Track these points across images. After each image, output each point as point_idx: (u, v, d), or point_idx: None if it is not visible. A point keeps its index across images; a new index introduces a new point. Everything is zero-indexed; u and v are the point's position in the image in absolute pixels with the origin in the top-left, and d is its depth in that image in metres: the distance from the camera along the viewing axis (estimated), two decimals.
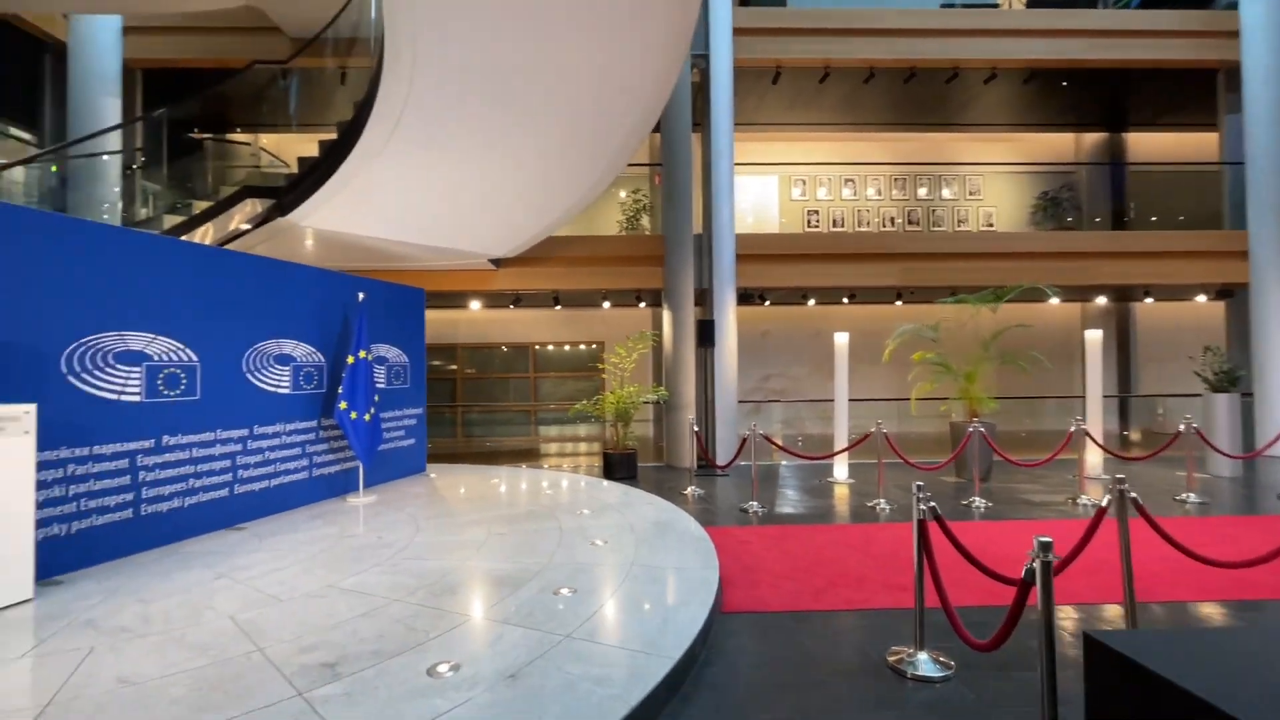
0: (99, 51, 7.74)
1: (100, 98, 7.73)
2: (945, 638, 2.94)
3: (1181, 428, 6.32)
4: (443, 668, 2.46)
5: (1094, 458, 7.26)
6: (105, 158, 6.61)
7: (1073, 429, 6.49)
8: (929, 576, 2.66)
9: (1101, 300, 11.43)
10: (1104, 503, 2.84)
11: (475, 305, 10.71)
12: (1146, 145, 11.62)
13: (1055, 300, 9.49)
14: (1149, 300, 11.06)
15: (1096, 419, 7.32)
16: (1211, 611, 3.44)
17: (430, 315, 8.83)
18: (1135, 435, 11.31)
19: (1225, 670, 1.99)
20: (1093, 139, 11.63)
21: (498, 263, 8.63)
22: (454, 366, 11.50)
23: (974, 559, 2.61)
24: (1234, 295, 9.83)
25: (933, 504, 2.76)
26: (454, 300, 10.33)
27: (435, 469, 7.31)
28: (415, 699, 2.24)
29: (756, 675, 2.75)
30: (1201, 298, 10.50)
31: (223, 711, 2.16)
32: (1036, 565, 1.90)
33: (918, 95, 9.88)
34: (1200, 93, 10.04)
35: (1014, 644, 2.84)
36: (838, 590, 3.77)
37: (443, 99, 4.89)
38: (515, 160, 6.05)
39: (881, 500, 6.01)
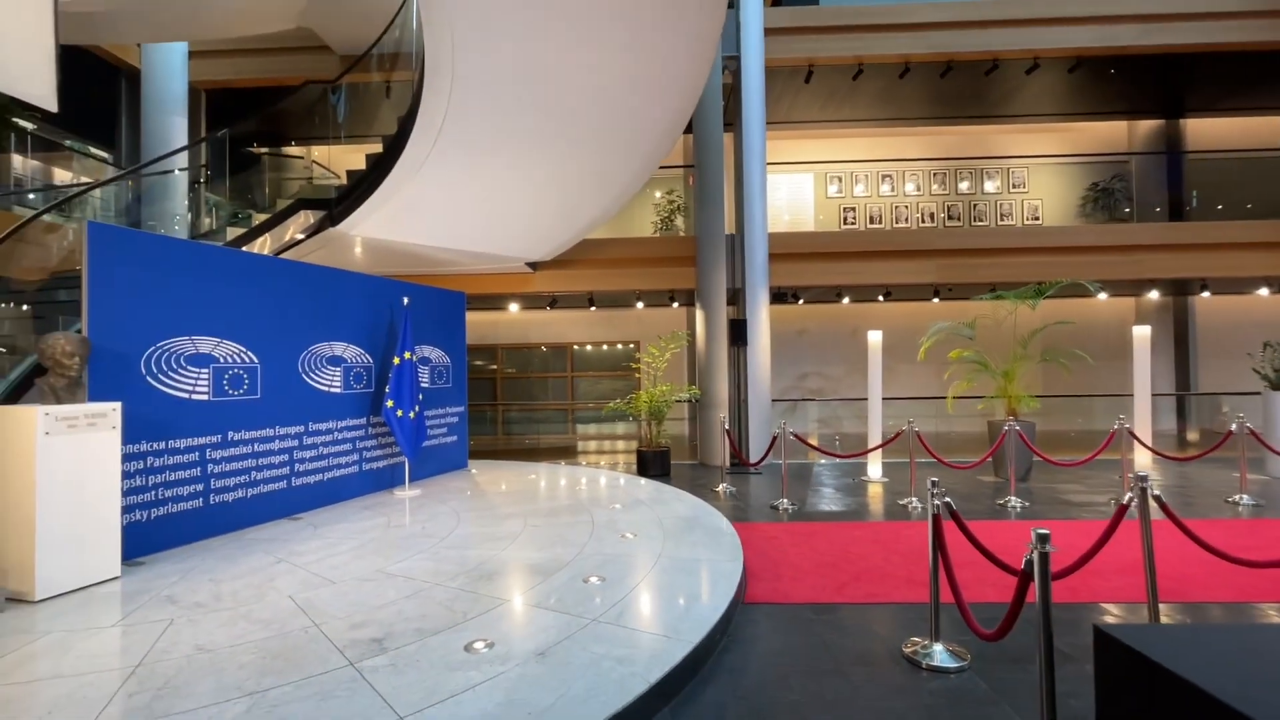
0: (168, 75, 8.35)
1: (169, 117, 8.35)
2: (964, 631, 3.00)
3: (1234, 427, 6.08)
4: (479, 645, 2.67)
5: (1143, 458, 7.05)
6: (175, 173, 7.15)
7: (1115, 428, 6.32)
8: (944, 571, 2.73)
9: (1155, 295, 10.98)
10: (1125, 500, 2.84)
11: (514, 307, 11.05)
12: (1207, 132, 11.08)
13: (1103, 296, 9.19)
14: (1206, 294, 10.56)
15: (1145, 417, 7.09)
16: (1247, 613, 3.37)
17: (471, 317, 9.16)
18: (1194, 435, 10.82)
19: (1231, 664, 2.03)
20: (1147, 127, 11.16)
21: (535, 266, 8.90)
22: (494, 366, 11.87)
23: (987, 552, 2.67)
24: None
25: (948, 500, 2.82)
26: (493, 302, 10.69)
27: (476, 465, 7.62)
28: (453, 671, 2.45)
29: (774, 661, 2.87)
30: (1264, 291, 9.97)
31: (284, 676, 2.42)
32: (1035, 557, 1.98)
33: (956, 88, 9.69)
34: (1266, 75, 9.53)
35: (1030, 638, 2.89)
36: (860, 585, 3.84)
37: (481, 110, 5.14)
38: (551, 167, 6.27)
39: (914, 499, 5.99)
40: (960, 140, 11.39)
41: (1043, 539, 1.96)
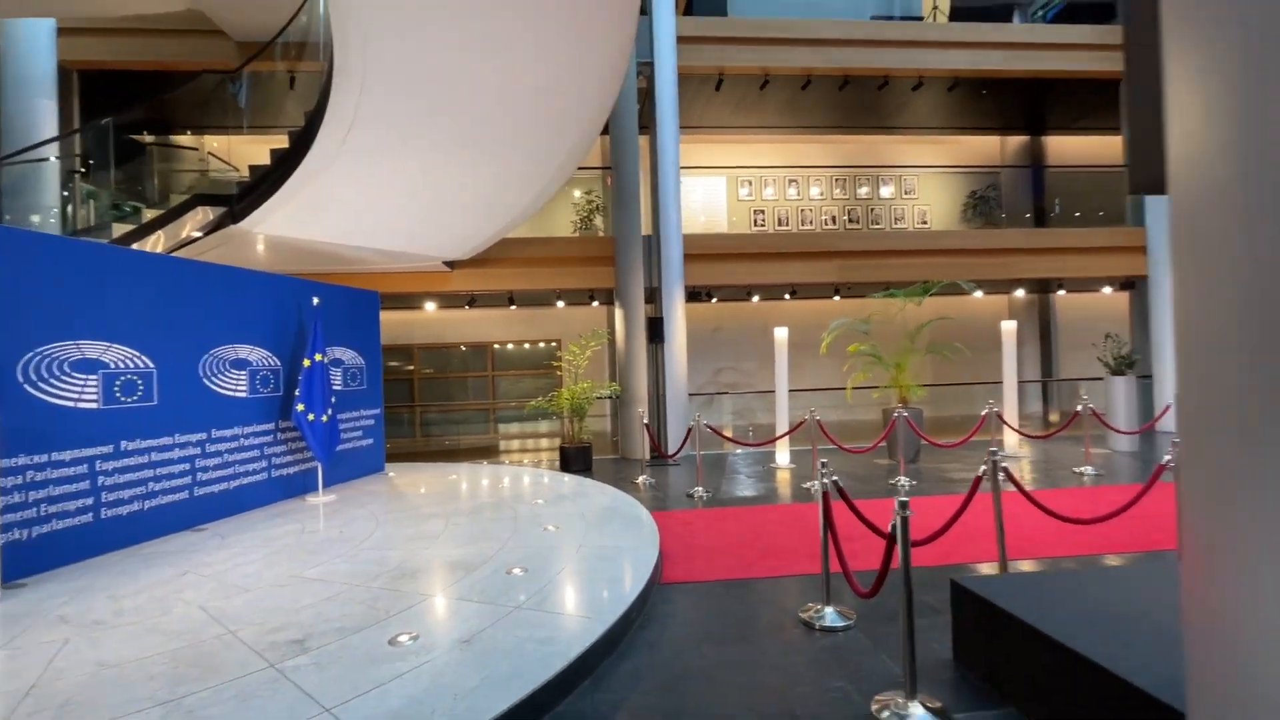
0: (32, 53, 7.58)
1: (34, 100, 7.58)
2: (846, 597, 3.38)
3: (1080, 408, 7.01)
4: (403, 638, 2.75)
5: (1011, 438, 7.95)
6: (51, 161, 6.53)
7: (985, 412, 7.12)
8: (833, 542, 3.08)
9: (1020, 293, 12.29)
10: (980, 472, 3.31)
11: (430, 306, 10.84)
12: (1064, 148, 12.50)
13: (979, 294, 10.21)
14: (1062, 292, 11.96)
15: (1012, 402, 8.01)
16: (1083, 564, 3.98)
17: (386, 317, 8.95)
18: (1055, 416, 12.22)
19: (1053, 603, 2.47)
20: (1016, 142, 12.46)
21: (452, 264, 8.80)
22: (411, 367, 11.58)
23: (869, 522, 3.03)
24: (1135, 286, 10.75)
25: (835, 479, 3.18)
26: (409, 302, 10.44)
27: (394, 468, 7.48)
28: (379, 664, 2.52)
29: (686, 632, 3.13)
30: (1108, 289, 11.42)
31: (201, 683, 2.41)
32: (898, 521, 2.32)
33: (853, 101, 10.44)
34: (1108, 99, 10.90)
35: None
36: (766, 561, 4.19)
37: (392, 110, 5.09)
38: (466, 168, 6.27)
39: (816, 482, 6.48)
40: (858, 149, 12.24)
41: (903, 505, 2.31)
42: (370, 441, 7.06)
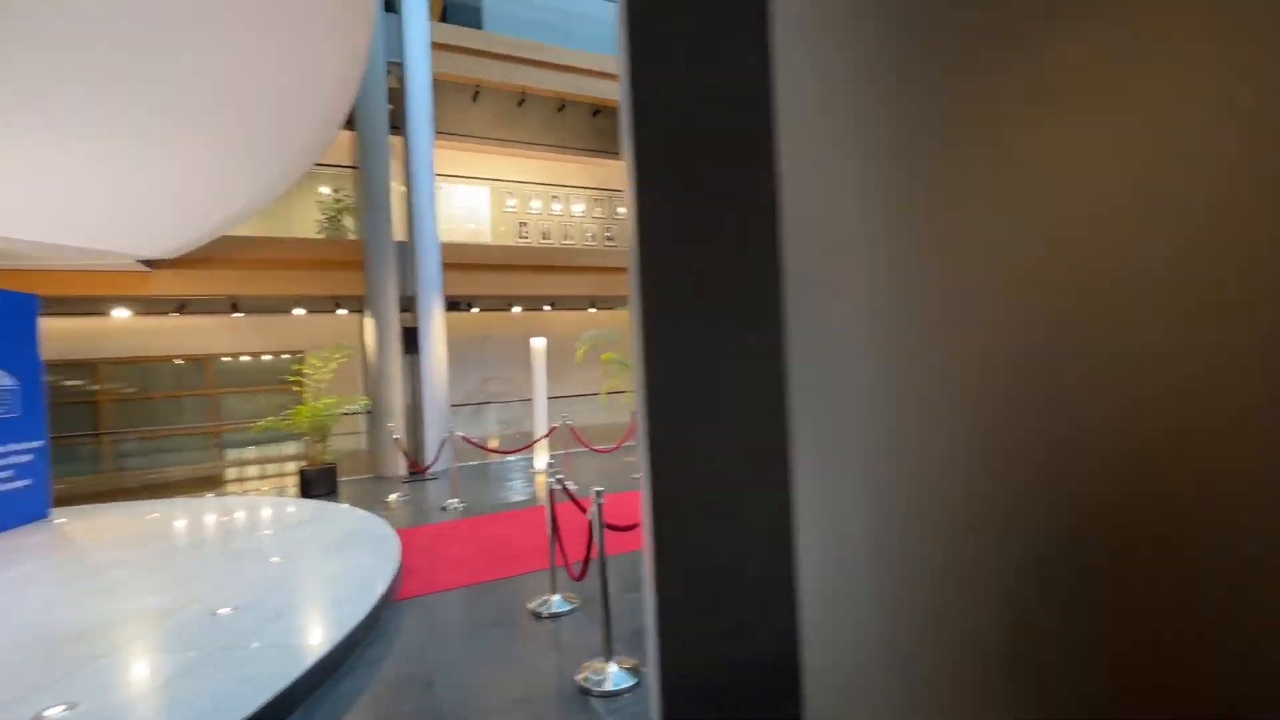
0: None
1: None
2: (577, 586, 3.75)
3: None
4: (54, 710, 2.35)
5: None
6: None
7: None
8: (560, 538, 3.40)
9: None
10: None
11: (124, 313, 8.96)
12: None
13: None
14: None
15: None
16: None
17: (58, 326, 7.24)
18: None
19: None
20: None
21: (152, 264, 7.44)
22: (97, 387, 9.42)
23: (584, 508, 3.42)
24: None
25: (560, 478, 3.52)
26: (92, 306, 8.51)
27: (69, 512, 6.08)
28: None
29: (416, 642, 3.18)
30: None
31: None
32: (594, 510, 2.70)
33: (605, 128, 11.32)
34: None
35: (627, 580, 3.79)
36: (512, 563, 4.40)
37: (52, 79, 4.19)
38: (164, 156, 5.39)
39: (569, 484, 6.92)
40: (614, 172, 13.23)
41: (599, 494, 2.70)
42: (26, 482, 5.64)
